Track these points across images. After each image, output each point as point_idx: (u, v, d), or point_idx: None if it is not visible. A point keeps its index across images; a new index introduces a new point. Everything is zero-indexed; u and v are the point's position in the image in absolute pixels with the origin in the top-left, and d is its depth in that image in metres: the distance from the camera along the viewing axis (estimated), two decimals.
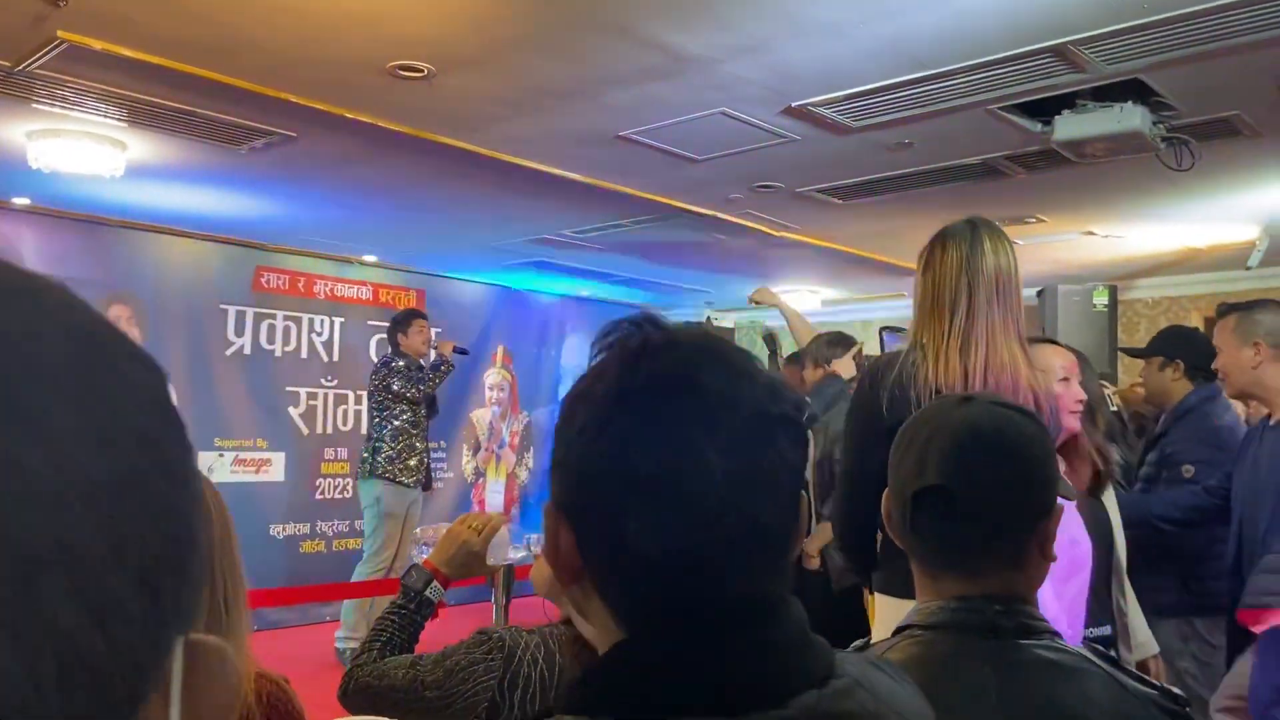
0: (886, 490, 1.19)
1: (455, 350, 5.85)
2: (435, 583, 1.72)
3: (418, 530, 2.06)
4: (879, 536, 2.03)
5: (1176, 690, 1.07)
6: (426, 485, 5.83)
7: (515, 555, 1.81)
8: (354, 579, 5.65)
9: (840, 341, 4.34)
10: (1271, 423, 2.98)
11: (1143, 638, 2.48)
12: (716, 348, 0.72)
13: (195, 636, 0.35)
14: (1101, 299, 6.95)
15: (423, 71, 3.50)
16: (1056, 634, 1.09)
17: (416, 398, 5.62)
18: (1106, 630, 2.28)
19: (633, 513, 0.67)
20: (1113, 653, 2.03)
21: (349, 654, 5.34)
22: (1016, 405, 1.21)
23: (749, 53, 3.31)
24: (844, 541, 2.19)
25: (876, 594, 2.07)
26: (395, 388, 5.57)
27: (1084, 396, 2.30)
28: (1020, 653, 1.05)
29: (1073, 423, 2.25)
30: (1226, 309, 3.14)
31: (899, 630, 1.13)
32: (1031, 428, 1.14)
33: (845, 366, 4.23)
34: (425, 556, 1.79)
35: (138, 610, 0.30)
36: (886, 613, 1.99)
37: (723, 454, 0.66)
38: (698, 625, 0.67)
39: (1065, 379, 2.25)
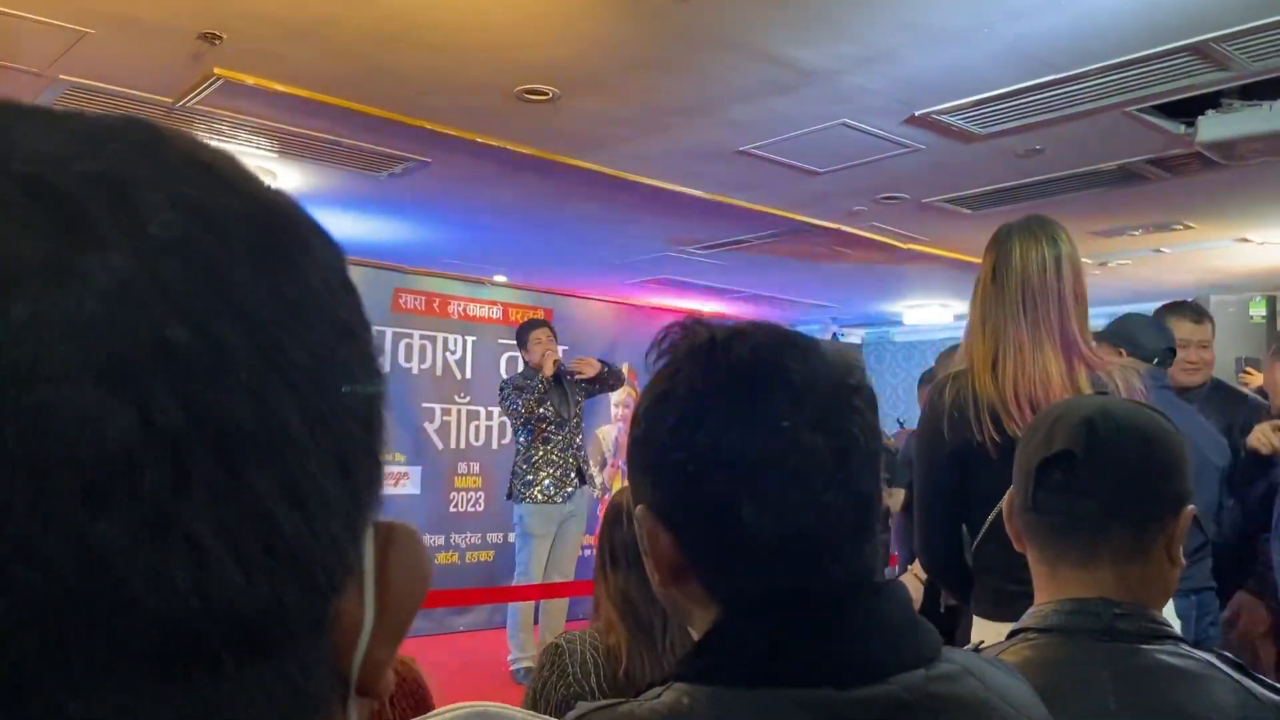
0: (1011, 488, 1.17)
1: (556, 366, 5.36)
2: None
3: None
4: (969, 556, 1.99)
5: None
6: (583, 480, 5.50)
7: None
8: (510, 607, 5.60)
9: None
10: None
11: None
12: (783, 332, 0.75)
13: (384, 521, 0.34)
14: (1259, 310, 6.56)
15: (548, 94, 3.61)
16: (1181, 640, 1.05)
17: (519, 417, 5.31)
18: None
19: (743, 496, 0.69)
20: None
21: (522, 673, 5.27)
22: (1157, 408, 1.19)
23: (870, 63, 3.29)
24: (931, 566, 2.14)
25: (974, 615, 2.02)
26: (504, 407, 5.42)
27: None
28: (1140, 657, 1.01)
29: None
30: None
31: (1013, 634, 1.11)
32: (1167, 423, 1.12)
33: None
34: None
35: (335, 494, 0.29)
36: (981, 633, 1.93)
37: (817, 430, 0.69)
38: (809, 600, 0.69)
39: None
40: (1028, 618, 1.10)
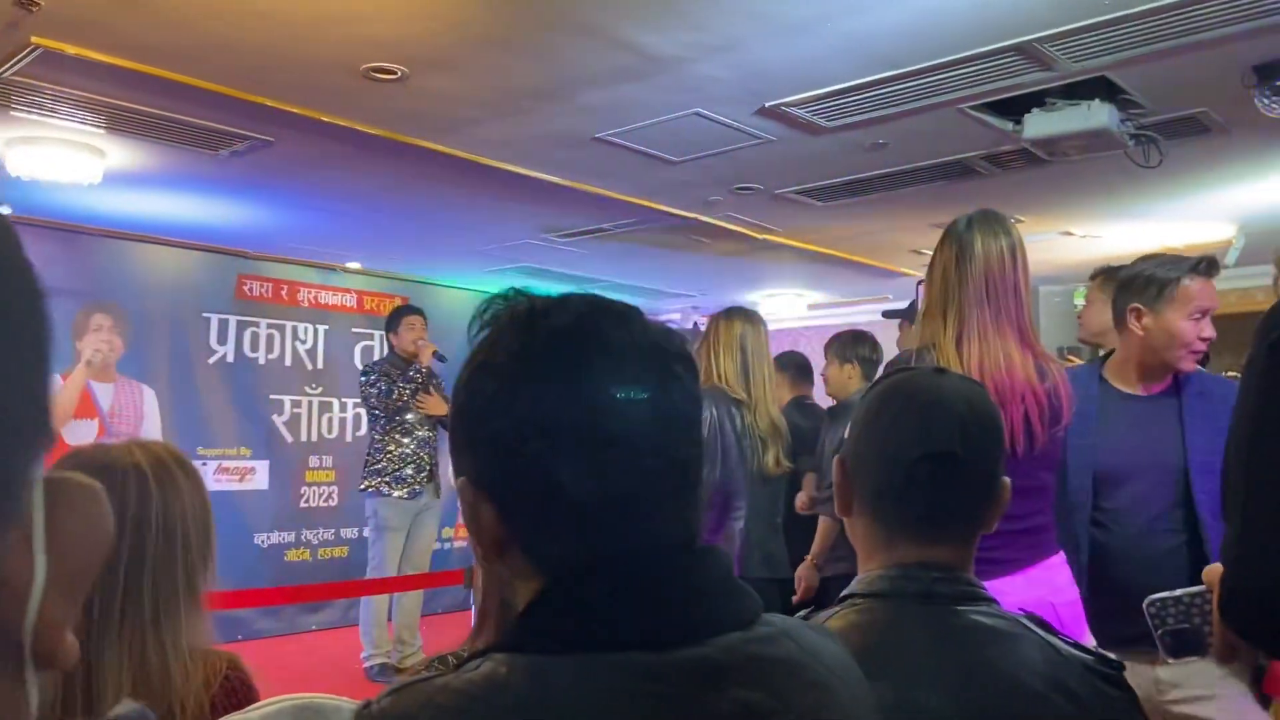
0: (840, 457, 1.20)
1: (435, 356, 5.33)
2: None
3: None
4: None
5: (1111, 655, 1.09)
6: (432, 476, 5.37)
7: None
8: (363, 602, 5.41)
9: (862, 339, 4.25)
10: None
11: None
12: (602, 300, 0.75)
13: (58, 474, 0.32)
14: (1081, 299, 7.01)
15: (396, 73, 3.52)
16: (994, 600, 1.10)
17: (387, 406, 5.20)
18: None
19: (564, 463, 0.69)
20: None
21: (377, 670, 5.18)
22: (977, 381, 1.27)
23: (719, 52, 3.34)
24: None
25: None
26: (369, 395, 5.26)
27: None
28: (956, 618, 1.06)
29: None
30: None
31: (841, 599, 1.14)
32: (994, 404, 1.19)
33: None
34: None
35: None
36: None
37: (636, 394, 0.70)
38: (629, 565, 0.70)
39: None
40: (855, 584, 1.14)
